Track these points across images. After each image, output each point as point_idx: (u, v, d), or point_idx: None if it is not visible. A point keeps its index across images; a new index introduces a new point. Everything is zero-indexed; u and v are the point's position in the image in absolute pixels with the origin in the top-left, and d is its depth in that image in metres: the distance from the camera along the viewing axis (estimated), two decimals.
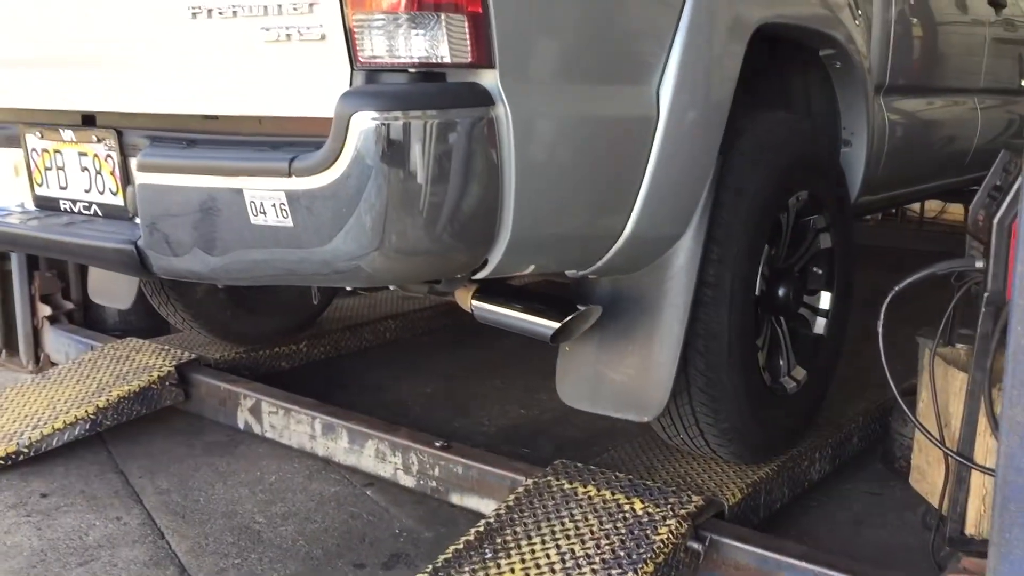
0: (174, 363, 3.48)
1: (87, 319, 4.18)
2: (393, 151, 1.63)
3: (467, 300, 2.32)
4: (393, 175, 1.64)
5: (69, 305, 4.13)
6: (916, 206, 6.55)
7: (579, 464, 2.58)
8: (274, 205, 1.73)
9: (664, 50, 2.05)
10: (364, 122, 1.62)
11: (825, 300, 2.82)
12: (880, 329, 2.42)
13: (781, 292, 2.64)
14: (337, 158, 1.64)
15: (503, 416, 3.55)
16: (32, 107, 2.29)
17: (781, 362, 2.70)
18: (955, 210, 6.68)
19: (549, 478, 2.52)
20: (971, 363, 2.34)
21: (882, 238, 6.42)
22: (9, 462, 3.06)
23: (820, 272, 2.80)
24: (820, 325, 2.82)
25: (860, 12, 2.88)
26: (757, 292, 2.47)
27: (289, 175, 1.69)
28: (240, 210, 1.77)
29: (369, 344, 4.19)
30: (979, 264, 2.38)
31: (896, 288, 2.42)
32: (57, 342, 4.06)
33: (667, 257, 2.24)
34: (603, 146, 1.97)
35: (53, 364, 4.05)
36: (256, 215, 1.76)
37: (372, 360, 4.09)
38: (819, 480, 2.87)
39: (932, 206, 6.69)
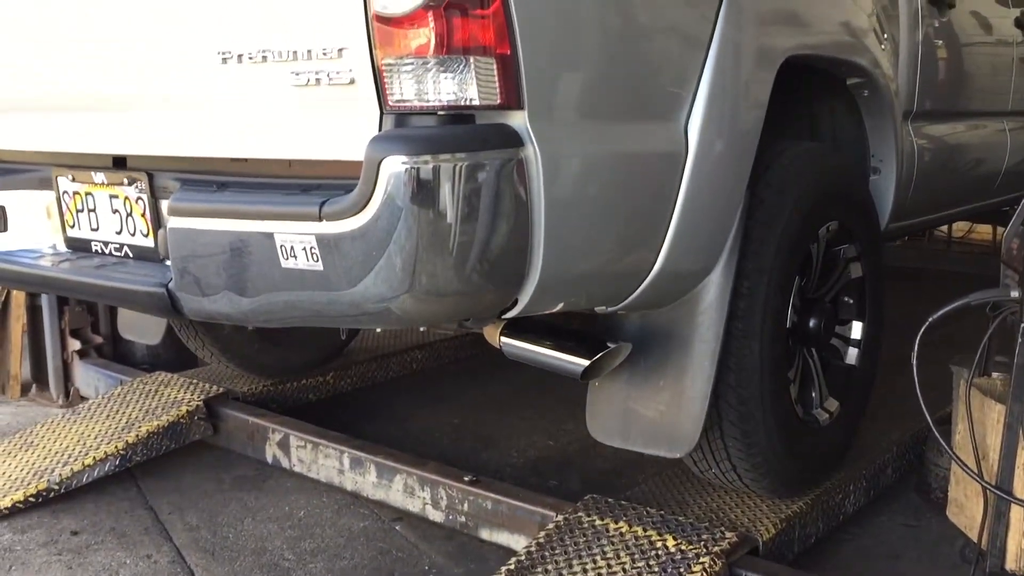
0: (202, 397, 3.49)
1: (116, 353, 4.21)
2: (423, 194, 1.63)
3: (496, 336, 2.31)
4: (423, 218, 1.64)
5: (98, 339, 4.16)
6: (944, 226, 6.50)
7: (610, 499, 2.56)
8: (304, 249, 1.73)
9: (692, 86, 2.04)
10: (394, 166, 1.62)
11: (857, 330, 2.80)
12: (915, 361, 2.40)
13: (812, 323, 2.61)
14: (367, 202, 1.64)
15: (531, 447, 3.53)
16: (64, 150, 2.31)
17: (813, 394, 2.67)
18: (983, 229, 6.62)
19: (580, 514, 2.50)
20: (1008, 394, 2.31)
21: (910, 259, 6.36)
22: (40, 499, 3.07)
23: (851, 302, 2.78)
24: (852, 355, 2.79)
25: (887, 37, 2.87)
26: (788, 324, 2.45)
27: (320, 219, 1.70)
28: (271, 254, 1.77)
29: (396, 375, 4.19)
30: (1014, 294, 2.35)
31: (930, 319, 2.40)
32: (87, 376, 4.08)
33: (697, 292, 2.23)
34: (632, 183, 1.97)
35: (83, 398, 4.07)
36: (287, 259, 1.76)
37: (399, 391, 4.08)
38: (853, 512, 2.83)
39: (960, 226, 6.63)
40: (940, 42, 3.27)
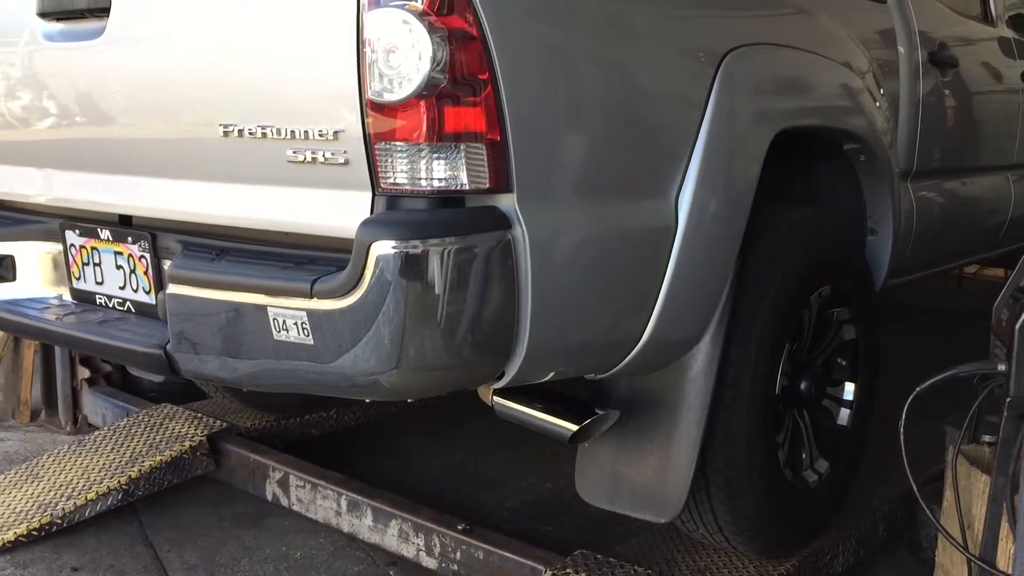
0: (206, 432, 3.54)
1: (125, 381, 4.27)
2: (411, 277, 1.68)
3: (488, 395, 2.35)
4: (411, 299, 1.69)
5: (108, 368, 4.22)
6: None
7: (599, 556, 2.59)
8: (296, 324, 1.78)
9: (683, 164, 2.08)
10: (384, 250, 1.67)
11: (849, 391, 2.82)
12: (901, 429, 2.42)
13: (803, 386, 2.64)
14: (357, 283, 1.69)
15: (528, 490, 3.56)
16: (72, 206, 2.37)
17: (804, 455, 2.69)
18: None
19: (568, 570, 2.54)
20: (994, 466, 2.33)
21: (919, 297, 6.35)
22: (43, 533, 3.13)
23: (844, 363, 2.80)
24: (844, 416, 2.82)
25: (884, 97, 2.90)
26: (778, 388, 2.48)
27: (311, 297, 1.75)
28: (264, 326, 1.83)
29: (399, 410, 4.22)
30: (1001, 367, 2.37)
31: (918, 389, 2.41)
32: (95, 404, 4.14)
33: (686, 359, 2.26)
34: (620, 259, 2.01)
35: (91, 425, 4.14)
36: (279, 332, 1.81)
37: (401, 426, 4.12)
38: (843, 572, 2.85)
39: None
40: (942, 100, 3.30)
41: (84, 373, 4.20)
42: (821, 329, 2.69)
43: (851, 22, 2.82)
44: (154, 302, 2.23)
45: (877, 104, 2.83)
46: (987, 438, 2.59)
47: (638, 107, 2.01)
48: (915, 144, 3.14)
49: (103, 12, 2.11)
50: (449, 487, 3.55)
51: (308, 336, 1.78)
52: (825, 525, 2.78)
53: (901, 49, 3.05)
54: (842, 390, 2.82)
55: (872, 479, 3.15)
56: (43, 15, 2.25)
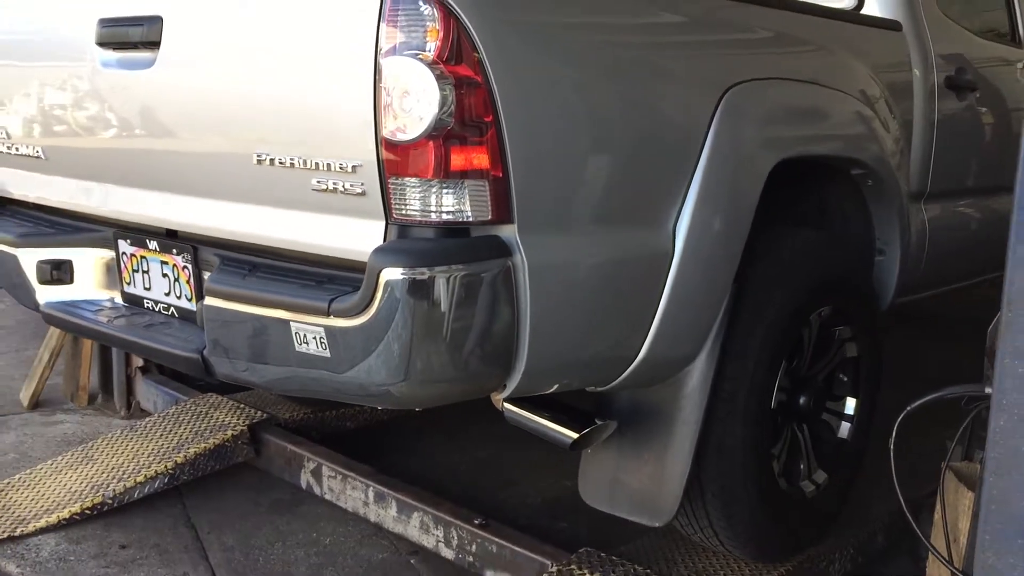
0: (247, 422, 3.77)
1: (175, 370, 4.52)
2: (418, 301, 1.86)
3: (499, 401, 2.52)
4: (418, 319, 1.87)
5: None
6: None
7: (602, 554, 2.76)
8: (315, 338, 1.98)
9: (681, 193, 2.23)
10: (393, 275, 1.86)
11: (850, 406, 2.94)
12: (891, 446, 2.54)
13: (803, 400, 2.77)
14: (368, 304, 1.88)
15: (548, 488, 3.72)
16: (124, 218, 2.60)
17: (802, 466, 2.82)
18: None
19: (572, 566, 2.71)
20: (977, 486, 2.44)
21: (930, 305, 6.35)
22: (95, 512, 3.38)
23: (846, 379, 2.92)
24: (844, 430, 2.94)
25: (896, 123, 3.00)
26: (774, 404, 2.62)
27: (328, 315, 1.94)
28: (287, 338, 2.03)
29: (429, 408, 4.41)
30: (988, 390, 2.48)
31: (908, 408, 2.53)
32: (147, 392, 4.40)
33: (682, 375, 2.41)
34: (617, 283, 2.17)
35: (143, 411, 4.40)
36: (300, 344, 2.01)
37: (432, 421, 4.29)
38: None
39: None
40: (959, 124, 3.37)
41: (138, 362, 4.46)
42: (822, 346, 2.82)
43: (864, 51, 2.93)
44: (195, 308, 2.44)
45: (887, 130, 2.94)
46: (980, 454, 2.70)
47: (636, 141, 2.17)
48: (929, 166, 3.23)
49: (154, 45, 2.32)
50: (473, 482, 3.73)
51: (326, 349, 1.97)
52: (823, 533, 2.91)
53: (917, 75, 3.15)
54: (843, 405, 2.94)
55: (874, 489, 3.26)
56: (101, 44, 2.47)
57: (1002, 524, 1.90)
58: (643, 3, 2.28)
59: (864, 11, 3.09)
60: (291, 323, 2.01)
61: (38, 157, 2.77)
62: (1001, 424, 1.88)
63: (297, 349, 2.02)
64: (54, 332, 4.58)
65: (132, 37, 2.37)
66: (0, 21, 2.81)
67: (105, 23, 2.45)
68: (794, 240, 2.66)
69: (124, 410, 4.48)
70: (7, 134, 2.86)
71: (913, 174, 3.16)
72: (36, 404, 4.56)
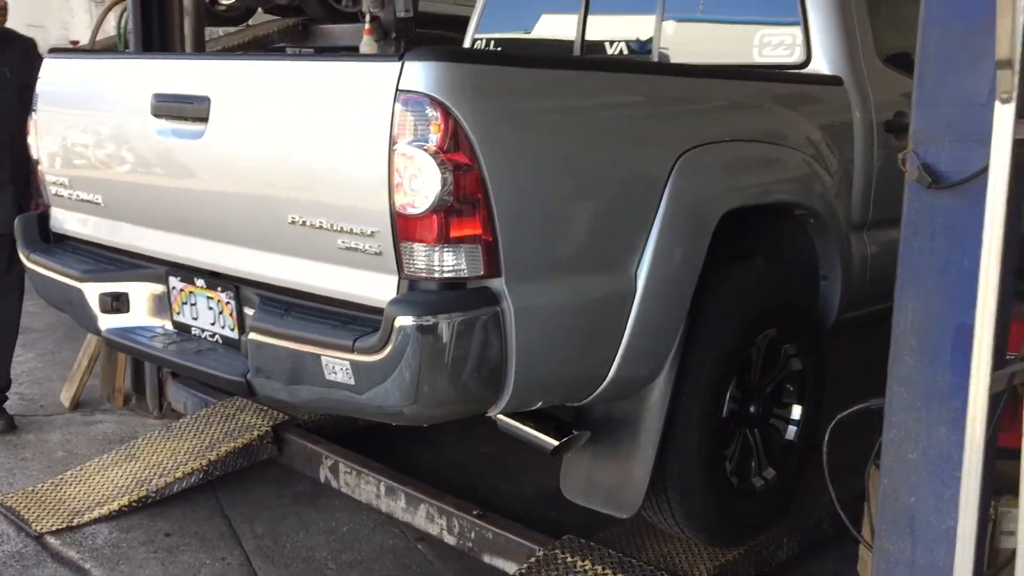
0: (271, 423, 4.24)
1: None
2: (425, 342, 2.33)
3: (492, 416, 3.00)
4: (425, 357, 2.35)
5: None
6: None
7: (582, 540, 3.24)
8: (342, 369, 2.45)
9: (641, 244, 2.70)
10: (406, 322, 2.33)
11: (796, 412, 3.42)
12: (825, 449, 3.01)
13: (752, 409, 3.25)
14: (386, 344, 2.36)
15: (543, 481, 4.15)
16: (176, 259, 3.07)
17: (752, 464, 3.30)
18: None
19: (556, 551, 3.19)
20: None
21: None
22: (140, 504, 3.87)
23: (792, 389, 3.40)
24: (791, 432, 3.41)
25: (838, 165, 3.45)
26: (726, 412, 3.09)
27: (352, 351, 2.41)
28: (318, 369, 2.50)
29: None
30: None
31: (838, 417, 3.00)
32: (178, 394, 4.86)
33: (646, 391, 2.89)
34: (587, 320, 2.64)
35: (174, 411, 4.86)
36: (329, 374, 2.48)
37: None
38: (788, 560, 3.45)
39: None
40: (896, 162, 3.81)
41: (165, 367, 4.92)
42: (770, 362, 3.29)
43: (807, 107, 3.39)
44: (237, 337, 2.92)
45: (829, 175, 3.40)
46: None
47: (602, 203, 2.63)
48: (870, 200, 3.68)
49: (203, 120, 2.79)
50: (475, 475, 4.19)
51: (351, 378, 2.45)
52: (773, 522, 3.39)
53: (857, 122, 3.60)
54: (790, 411, 3.42)
55: (820, 484, 3.73)
56: (156, 115, 2.94)
57: (894, 516, 2.38)
58: (603, 86, 2.73)
59: (810, 68, 3.54)
60: (322, 357, 2.48)
61: (97, 203, 3.24)
62: (891, 436, 2.35)
63: (327, 377, 2.50)
64: (92, 338, 5.04)
65: (184, 113, 2.83)
66: (69, 87, 3.28)
67: (160, 98, 2.91)
68: (742, 273, 3.13)
69: (157, 411, 4.94)
70: (68, 183, 3.33)
71: (855, 208, 3.62)
72: (77, 405, 5.03)
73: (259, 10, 7.68)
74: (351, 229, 2.47)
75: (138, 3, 4.57)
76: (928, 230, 2.22)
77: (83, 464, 4.16)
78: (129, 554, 3.57)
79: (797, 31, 3.59)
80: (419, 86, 2.32)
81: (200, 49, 4.82)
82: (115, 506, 3.82)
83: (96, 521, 3.76)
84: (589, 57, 4.02)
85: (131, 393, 5.09)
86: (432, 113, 2.30)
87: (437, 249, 2.35)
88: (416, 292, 2.41)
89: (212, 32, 7.21)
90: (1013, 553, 2.34)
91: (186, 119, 2.84)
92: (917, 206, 2.24)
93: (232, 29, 7.72)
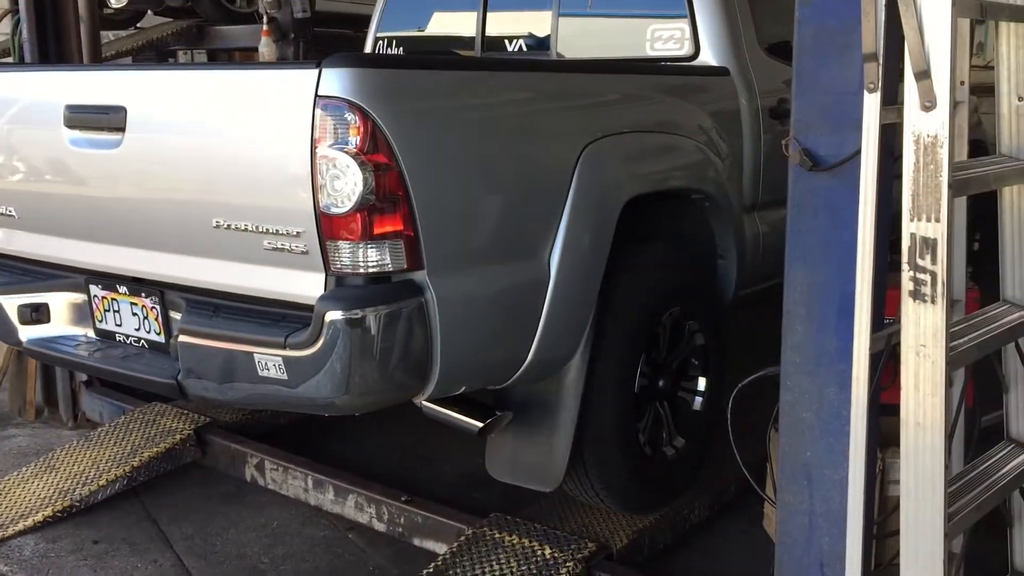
0: (193, 426, 4.28)
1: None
2: (354, 334, 2.46)
3: (419, 402, 3.14)
4: (354, 349, 2.47)
5: None
6: None
7: (508, 516, 3.41)
8: (274, 365, 2.55)
9: (552, 233, 2.87)
10: (335, 316, 2.45)
11: (702, 384, 3.65)
12: (728, 416, 3.23)
13: (661, 383, 3.46)
14: (316, 339, 2.47)
15: (463, 464, 4.30)
16: (92, 268, 3.11)
17: (663, 434, 3.52)
18: None
19: (484, 528, 3.35)
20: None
21: None
22: (65, 514, 3.87)
23: (697, 362, 3.63)
24: (698, 403, 3.65)
25: (727, 150, 3.69)
26: (637, 388, 3.29)
27: (284, 348, 2.52)
28: (251, 366, 2.60)
29: None
30: None
31: (739, 385, 3.23)
32: (92, 403, 4.84)
33: (562, 372, 3.06)
34: (506, 306, 2.80)
35: (89, 420, 4.83)
36: (262, 370, 2.58)
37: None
38: (700, 523, 3.68)
39: None
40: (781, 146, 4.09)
41: (81, 376, 4.89)
42: (675, 338, 3.51)
43: (697, 97, 3.62)
44: (164, 342, 2.98)
45: (721, 160, 3.63)
46: None
47: (514, 196, 2.79)
48: (759, 183, 3.94)
49: (119, 130, 2.84)
50: (400, 463, 4.31)
51: (283, 373, 2.55)
52: (684, 487, 3.62)
53: (744, 110, 3.85)
54: (696, 383, 3.65)
55: (727, 450, 3.98)
56: (70, 127, 2.97)
57: (792, 471, 2.60)
58: (508, 85, 2.90)
59: (699, 61, 3.77)
60: (255, 354, 2.58)
61: (11, 215, 3.24)
62: (787, 399, 2.57)
63: (260, 373, 2.59)
64: None
65: (100, 123, 2.87)
66: None
67: (73, 109, 2.95)
68: (645, 257, 3.33)
69: (71, 421, 4.90)
70: None
71: (745, 190, 3.87)
72: None
73: (148, 12, 7.56)
74: (276, 230, 2.57)
75: (32, 11, 4.52)
76: (811, 208, 2.44)
77: (1, 478, 4.12)
78: (59, 563, 3.58)
79: (685, 25, 3.82)
80: (337, 91, 2.43)
81: (98, 57, 4.79)
82: (39, 517, 3.82)
83: (22, 533, 3.75)
84: (495, 58, 4.17)
85: (43, 405, 5.02)
86: (351, 117, 2.42)
87: (362, 246, 2.48)
88: (343, 288, 2.52)
89: (103, 36, 7.09)
90: (899, 500, 2.60)
91: (102, 129, 2.88)
92: (800, 187, 2.46)
93: (123, 33, 7.59)
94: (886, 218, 2.32)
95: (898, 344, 2.43)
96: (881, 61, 2.17)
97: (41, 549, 3.67)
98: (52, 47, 4.60)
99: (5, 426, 4.92)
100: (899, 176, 2.25)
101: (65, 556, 3.63)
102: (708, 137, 3.59)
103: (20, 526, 3.78)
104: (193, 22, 7.13)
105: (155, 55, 6.99)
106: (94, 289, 3.15)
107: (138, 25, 7.73)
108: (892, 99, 2.24)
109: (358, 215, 2.45)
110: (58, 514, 3.85)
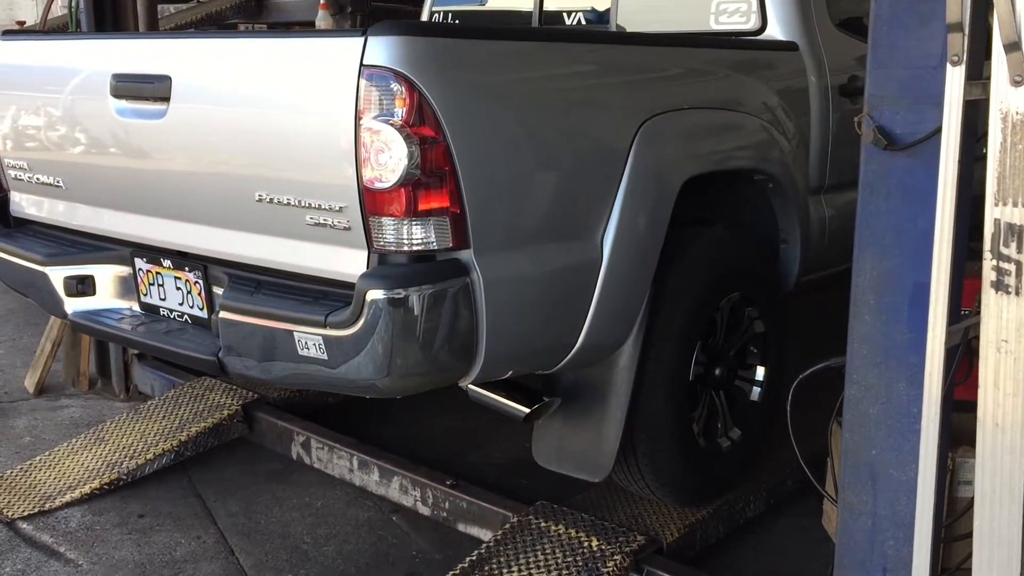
0: (241, 402, 4.26)
1: None
2: (396, 314, 2.36)
3: (464, 386, 3.04)
4: (397, 330, 2.37)
5: None
6: None
7: (555, 505, 3.30)
8: (315, 344, 2.47)
9: (606, 213, 2.74)
10: (377, 295, 2.35)
11: (760, 373, 3.50)
12: (788, 408, 3.09)
13: (718, 371, 3.32)
14: (357, 318, 2.38)
15: (511, 450, 4.23)
16: (138, 240, 3.06)
17: (719, 425, 3.38)
18: None
19: (530, 517, 3.25)
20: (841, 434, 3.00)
21: None
22: (112, 487, 3.87)
23: (755, 351, 3.48)
24: (756, 393, 3.50)
25: (794, 130, 3.52)
26: (692, 376, 3.16)
27: (325, 327, 2.43)
28: (291, 345, 2.52)
29: None
30: None
31: (801, 376, 3.08)
32: (144, 376, 4.86)
33: (613, 357, 2.94)
34: (555, 289, 2.68)
35: (140, 393, 4.86)
36: (302, 349, 2.50)
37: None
38: (755, 517, 3.54)
39: None
40: (851, 126, 3.89)
41: (134, 348, 4.90)
42: (733, 325, 3.36)
43: (763, 73, 3.44)
44: (206, 317, 2.92)
45: (787, 141, 3.46)
46: None
47: (567, 173, 2.67)
48: (827, 164, 3.76)
49: (164, 99, 2.77)
50: (445, 447, 4.25)
51: (323, 353, 2.47)
52: (739, 480, 3.48)
53: (812, 87, 3.66)
54: (754, 373, 3.50)
55: (785, 442, 3.83)
56: (116, 96, 2.91)
57: (856, 470, 2.46)
58: (564, 57, 2.76)
59: (765, 35, 3.59)
60: (294, 333, 2.50)
61: (58, 186, 3.21)
62: (853, 393, 2.42)
63: (300, 353, 2.51)
64: (55, 323, 5.00)
65: (145, 93, 2.81)
66: (24, 69, 3.23)
67: (120, 78, 2.89)
68: (703, 239, 3.19)
69: (123, 393, 4.93)
70: (27, 166, 3.29)
71: (812, 172, 3.69)
72: (41, 391, 5.00)
73: None
74: (319, 205, 2.49)
75: None
76: (884, 191, 2.28)
77: (52, 449, 4.14)
78: (103, 536, 3.58)
79: None
80: (383, 61, 2.33)
81: (154, 27, 4.76)
82: (87, 489, 3.82)
83: (68, 505, 3.75)
84: (550, 28, 4.04)
85: (96, 377, 5.06)
86: (397, 87, 2.31)
87: (406, 222, 2.38)
88: (386, 266, 2.43)
89: (163, 10, 7.12)
90: (970, 502, 2.44)
91: (147, 99, 2.82)
92: (873, 168, 2.30)
93: (184, 6, 7.62)
94: (966, 202, 2.16)
95: (974, 338, 2.27)
96: (967, 31, 2.00)
97: (87, 521, 3.67)
98: (109, 18, 4.58)
99: (59, 396, 4.96)
100: (982, 157, 2.09)
101: (110, 529, 3.62)
102: (773, 115, 3.42)
103: (67, 498, 3.78)
104: None
105: (214, 28, 7.00)
106: (139, 262, 3.10)
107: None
108: (977, 73, 2.07)
109: (402, 190, 2.35)
110: (105, 487, 3.85)
